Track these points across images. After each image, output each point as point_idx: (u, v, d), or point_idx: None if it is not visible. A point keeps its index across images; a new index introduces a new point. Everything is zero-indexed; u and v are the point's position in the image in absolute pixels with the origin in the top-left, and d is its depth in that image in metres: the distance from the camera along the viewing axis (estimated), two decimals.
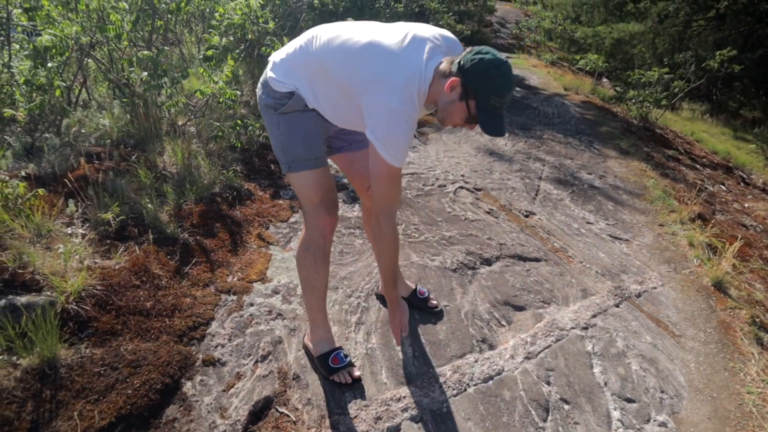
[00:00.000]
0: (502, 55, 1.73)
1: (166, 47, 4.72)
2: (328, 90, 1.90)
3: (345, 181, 4.03)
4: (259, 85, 2.05)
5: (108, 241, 2.70)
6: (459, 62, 1.73)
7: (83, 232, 2.69)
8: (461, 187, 4.42)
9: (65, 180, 2.90)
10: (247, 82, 5.11)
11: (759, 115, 14.23)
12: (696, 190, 5.52)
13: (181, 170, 3.44)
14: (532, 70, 10.86)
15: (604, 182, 5.25)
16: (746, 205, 5.99)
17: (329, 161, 2.18)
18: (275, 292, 2.73)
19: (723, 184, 6.59)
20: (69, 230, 2.67)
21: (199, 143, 3.84)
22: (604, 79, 12.42)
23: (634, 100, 8.22)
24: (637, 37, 13.84)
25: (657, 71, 8.18)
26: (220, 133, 3.83)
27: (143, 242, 2.77)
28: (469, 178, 4.68)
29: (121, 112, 3.82)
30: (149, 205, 2.96)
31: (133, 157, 3.40)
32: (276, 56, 2.01)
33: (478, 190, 4.47)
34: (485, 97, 1.72)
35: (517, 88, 8.80)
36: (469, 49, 1.76)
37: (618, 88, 8.94)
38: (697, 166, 7.15)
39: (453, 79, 1.73)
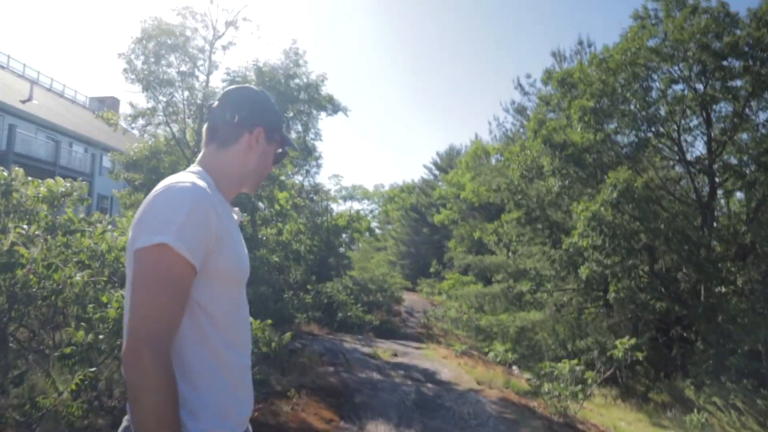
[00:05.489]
0: (248, 86, 1.59)
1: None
2: None
3: None
4: None
5: None
6: (240, 116, 1.48)
7: None
8: None
9: None
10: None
11: (667, 399, 14.35)
12: None
13: None
14: (443, 362, 10.61)
15: None
16: None
17: None
18: None
19: None
20: None
21: None
22: (514, 368, 12.36)
23: (550, 395, 7.95)
24: (538, 325, 14.48)
25: (567, 363, 8.16)
26: None
27: None
28: None
29: None
30: None
31: None
32: None
33: None
34: (279, 124, 1.59)
35: (429, 384, 8.32)
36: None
37: (533, 381, 8.77)
38: None
39: (257, 131, 1.49)
